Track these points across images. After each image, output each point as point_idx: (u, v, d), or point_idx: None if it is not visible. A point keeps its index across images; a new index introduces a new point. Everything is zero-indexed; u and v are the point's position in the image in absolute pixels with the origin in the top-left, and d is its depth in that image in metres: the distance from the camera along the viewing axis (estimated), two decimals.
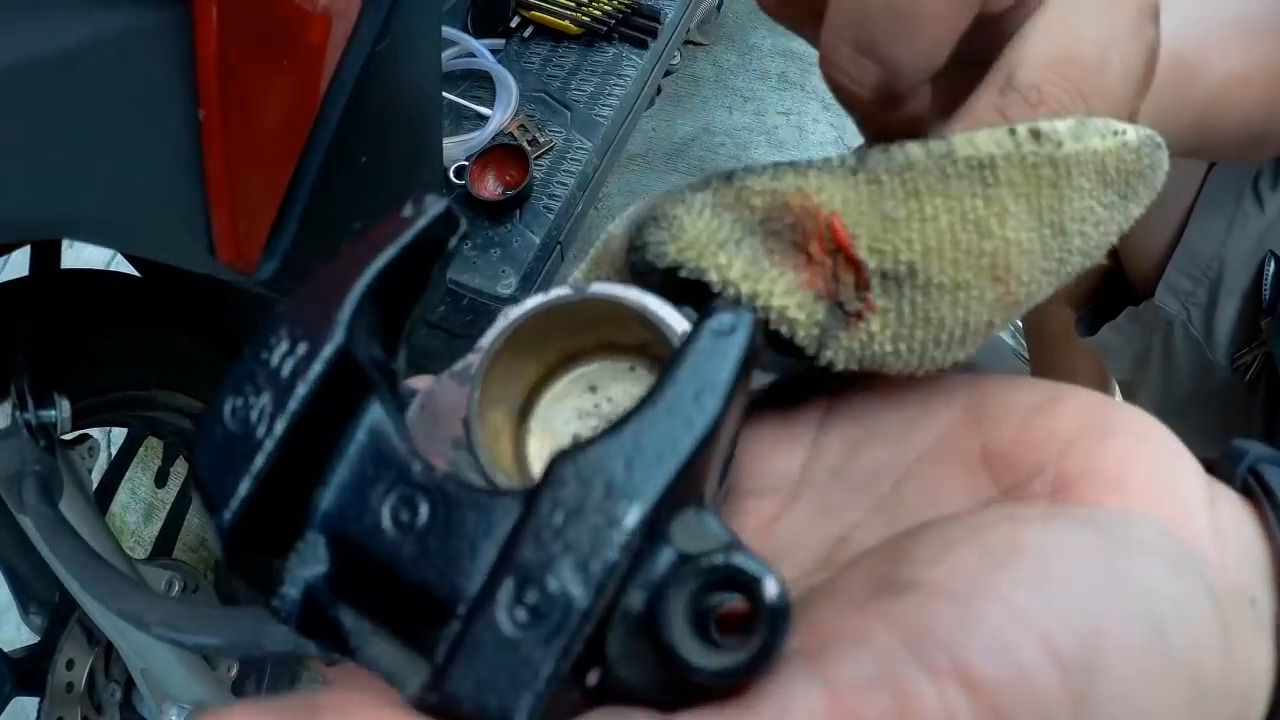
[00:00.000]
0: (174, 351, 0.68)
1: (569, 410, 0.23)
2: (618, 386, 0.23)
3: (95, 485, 0.75)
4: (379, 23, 0.44)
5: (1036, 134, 0.19)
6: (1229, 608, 0.18)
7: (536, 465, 0.22)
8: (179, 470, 0.80)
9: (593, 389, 0.24)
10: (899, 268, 0.19)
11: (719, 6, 1.45)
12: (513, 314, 0.21)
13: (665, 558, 0.17)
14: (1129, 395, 0.73)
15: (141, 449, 1.08)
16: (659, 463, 0.17)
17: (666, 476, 0.17)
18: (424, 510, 0.17)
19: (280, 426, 0.17)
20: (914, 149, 0.19)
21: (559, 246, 0.82)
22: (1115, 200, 0.20)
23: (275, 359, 0.18)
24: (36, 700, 0.63)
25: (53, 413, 0.54)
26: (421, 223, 0.19)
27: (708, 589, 0.16)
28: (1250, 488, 0.20)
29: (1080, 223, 0.20)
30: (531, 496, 0.17)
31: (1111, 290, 0.68)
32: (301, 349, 0.18)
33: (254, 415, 0.17)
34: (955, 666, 0.15)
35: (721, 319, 0.19)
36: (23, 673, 0.62)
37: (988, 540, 0.17)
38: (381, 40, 0.45)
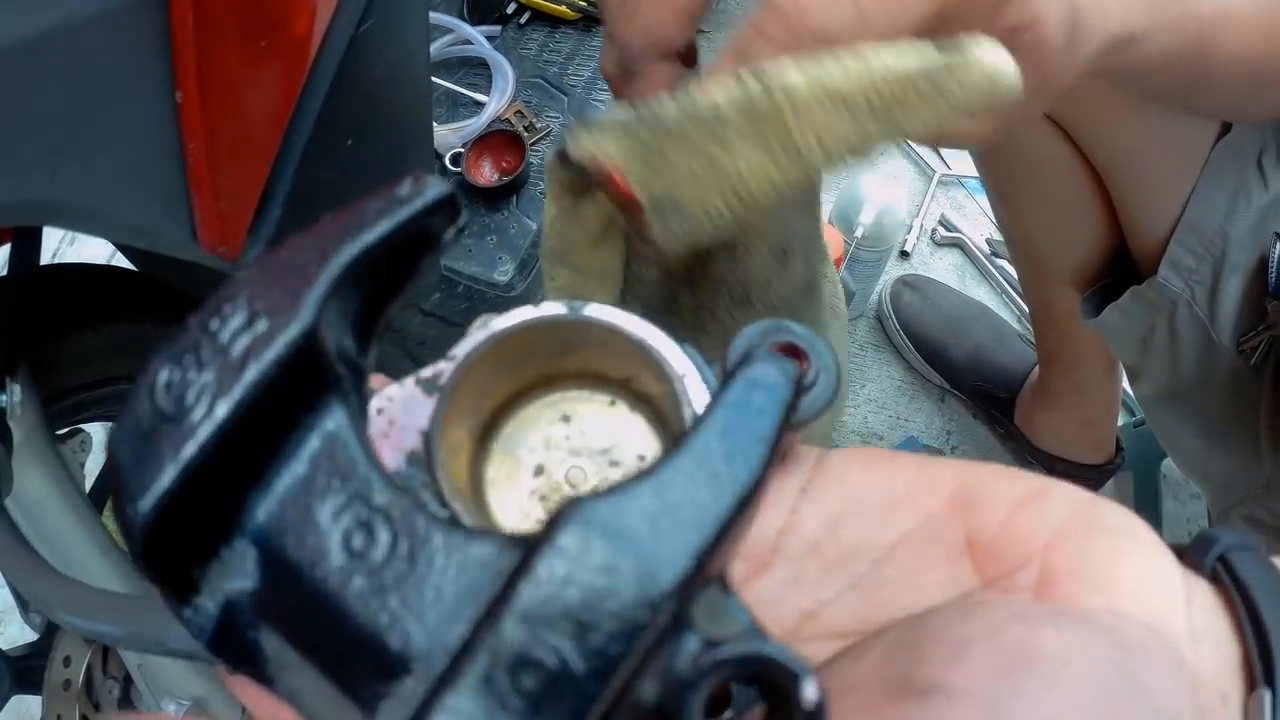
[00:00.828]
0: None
1: (537, 437, 0.21)
2: (594, 421, 0.22)
3: (91, 483, 0.75)
4: (363, 2, 0.43)
5: (760, 78, 0.24)
6: (1205, 706, 0.18)
7: (491, 492, 0.20)
8: None
9: (566, 419, 0.22)
10: (662, 200, 0.26)
11: None
12: (495, 325, 0.20)
13: (689, 643, 0.14)
14: (1134, 379, 0.72)
15: None
16: (691, 527, 0.14)
17: (700, 544, 0.14)
18: (383, 539, 0.15)
19: (221, 411, 0.14)
20: (668, 106, 0.25)
21: None
22: (869, 119, 0.24)
23: (227, 333, 0.15)
24: (39, 699, 0.63)
25: (3, 397, 0.52)
26: (418, 204, 0.16)
27: (731, 681, 0.14)
28: (1219, 576, 0.20)
29: (819, 141, 0.24)
30: (530, 551, 0.14)
31: (1116, 272, 0.67)
32: (260, 325, 0.15)
33: (191, 394, 0.14)
34: None
35: (764, 370, 0.16)
36: (22, 670, 0.62)
37: (1004, 642, 0.17)
38: (365, 20, 0.44)
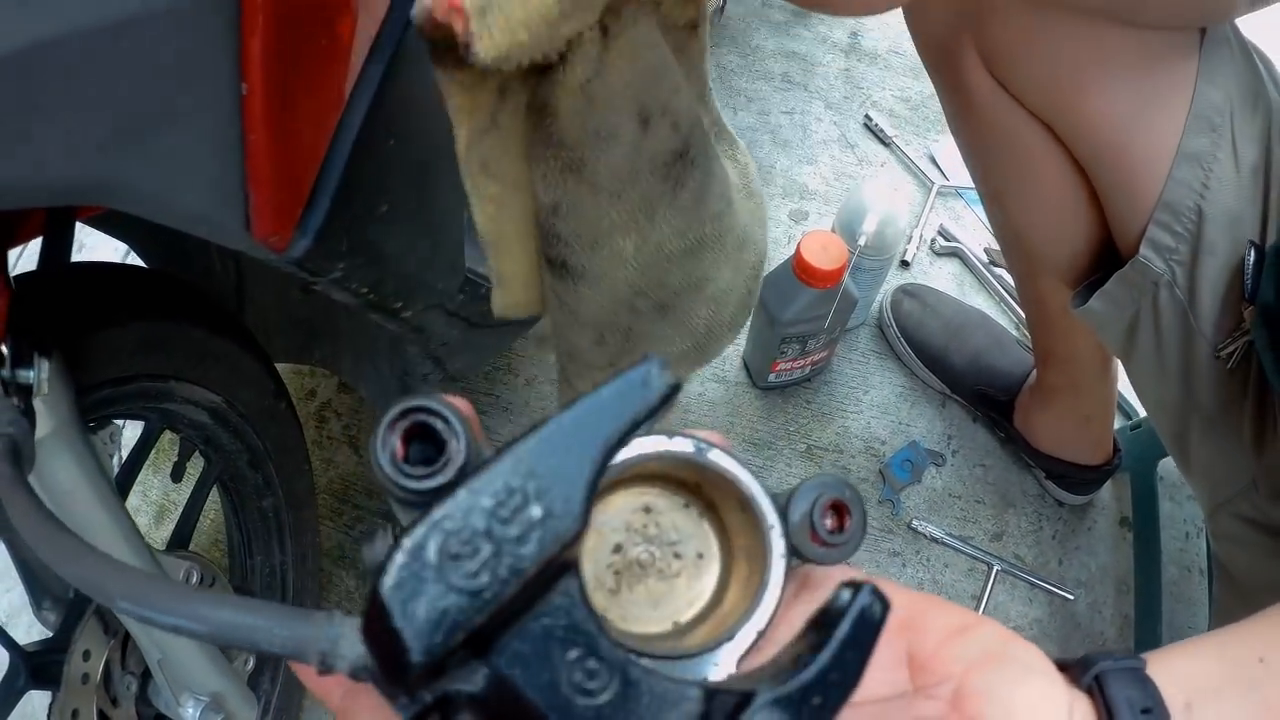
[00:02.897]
0: (191, 343, 0.68)
1: (620, 520, 0.26)
2: (669, 516, 0.26)
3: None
4: (407, 13, 0.45)
5: None
6: None
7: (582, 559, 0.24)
8: (193, 468, 0.80)
9: (647, 510, 0.26)
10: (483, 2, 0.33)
11: (721, 9, 1.47)
12: (635, 449, 0.24)
13: None
14: (1126, 365, 0.74)
15: (153, 453, 1.09)
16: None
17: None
18: (612, 687, 0.18)
19: (507, 591, 0.17)
20: None
21: None
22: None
23: (506, 511, 0.18)
24: (48, 696, 0.62)
25: (30, 372, 0.54)
26: (655, 399, 0.19)
27: None
28: (1093, 690, 0.27)
29: None
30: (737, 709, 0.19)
31: (1105, 268, 0.70)
32: (535, 512, 0.18)
33: (475, 567, 0.17)
34: None
35: (871, 606, 0.21)
36: (37, 665, 0.62)
37: None
38: (410, 28, 0.46)
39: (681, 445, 0.24)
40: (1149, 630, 0.97)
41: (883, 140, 1.37)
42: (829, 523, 0.25)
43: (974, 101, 0.69)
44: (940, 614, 0.28)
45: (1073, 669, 0.28)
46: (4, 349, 0.46)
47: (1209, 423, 0.66)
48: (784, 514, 0.25)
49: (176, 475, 0.77)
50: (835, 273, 0.94)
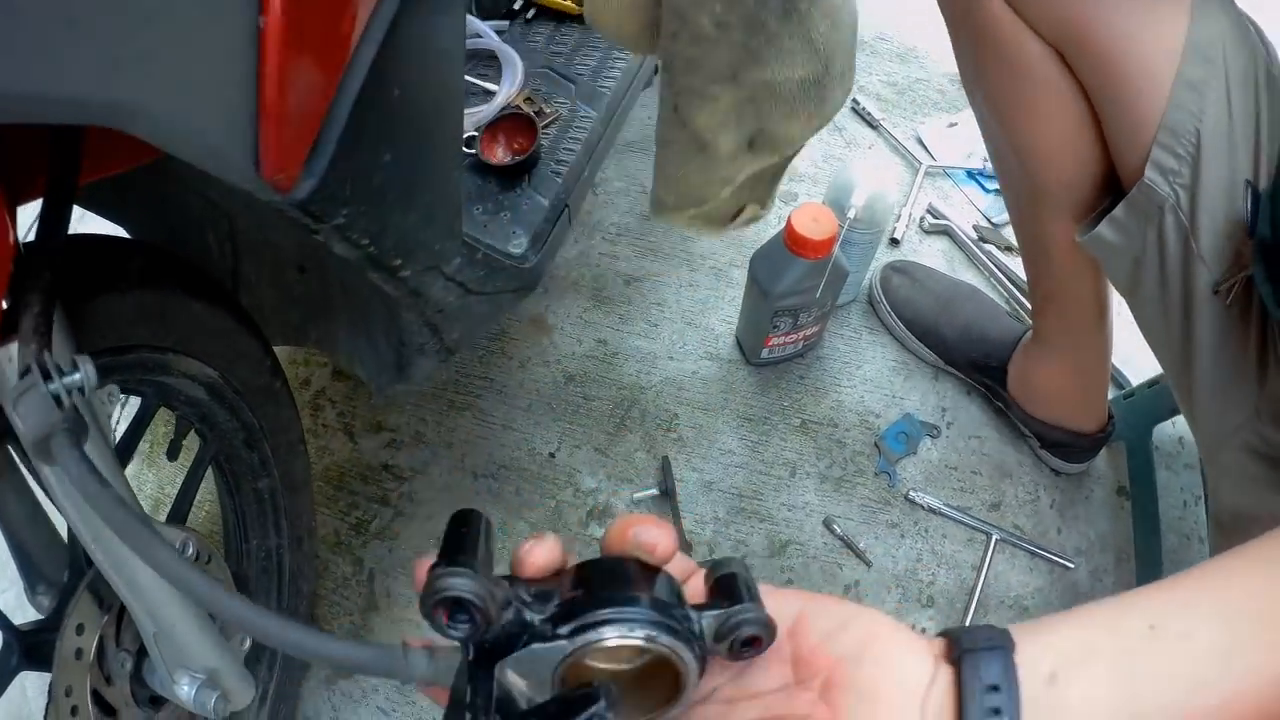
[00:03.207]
0: (190, 315, 0.68)
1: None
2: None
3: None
4: None
5: None
6: None
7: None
8: (190, 445, 0.79)
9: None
10: None
11: None
12: (598, 637, 0.30)
13: None
14: (1130, 300, 0.76)
15: (148, 448, 1.08)
16: None
17: None
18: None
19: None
20: None
21: (566, 209, 0.83)
22: None
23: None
24: (45, 698, 0.61)
25: (78, 376, 0.54)
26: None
27: None
28: (958, 663, 0.31)
29: None
30: None
31: (1111, 198, 0.72)
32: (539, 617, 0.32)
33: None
34: None
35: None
36: (30, 645, 0.60)
37: None
38: None
39: (636, 637, 0.30)
40: None
41: (870, 123, 1.38)
42: (745, 650, 0.32)
43: (989, 25, 0.72)
44: (823, 614, 0.33)
45: (950, 643, 0.32)
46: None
47: (1212, 356, 0.68)
48: (700, 640, 0.32)
49: (173, 454, 0.76)
50: (826, 243, 0.95)
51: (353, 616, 0.99)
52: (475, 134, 0.84)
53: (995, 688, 0.30)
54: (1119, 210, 0.70)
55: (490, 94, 0.90)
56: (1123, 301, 0.79)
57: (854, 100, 1.41)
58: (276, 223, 0.75)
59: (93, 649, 0.63)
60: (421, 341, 0.78)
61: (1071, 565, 1.03)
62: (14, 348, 0.44)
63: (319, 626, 1.01)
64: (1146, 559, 1.00)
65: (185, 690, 0.65)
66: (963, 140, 1.35)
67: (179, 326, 0.67)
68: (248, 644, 0.79)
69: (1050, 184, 0.78)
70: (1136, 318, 0.77)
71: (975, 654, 0.31)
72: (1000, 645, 0.31)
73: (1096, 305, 0.91)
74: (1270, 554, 0.33)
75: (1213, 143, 0.65)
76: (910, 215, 1.28)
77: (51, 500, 0.61)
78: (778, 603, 0.33)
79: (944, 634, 0.33)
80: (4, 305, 0.44)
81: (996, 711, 0.29)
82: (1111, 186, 0.75)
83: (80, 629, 0.62)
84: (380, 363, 0.85)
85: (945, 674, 0.31)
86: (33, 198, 0.53)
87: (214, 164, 0.40)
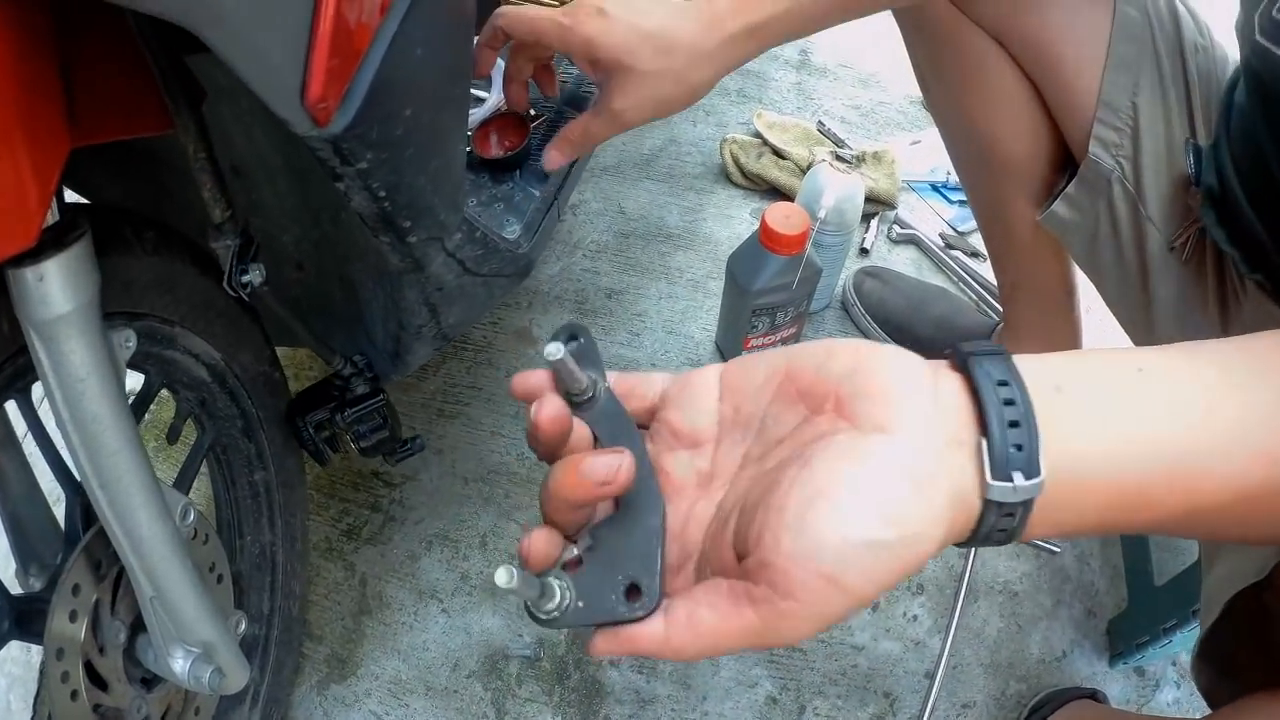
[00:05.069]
0: (199, 292, 0.69)
1: None
2: None
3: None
4: None
5: None
6: (949, 445, 0.30)
7: None
8: (186, 440, 0.79)
9: None
10: None
11: None
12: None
13: None
14: (1093, 277, 0.80)
15: (150, 443, 1.06)
16: None
17: None
18: None
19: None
20: None
21: (555, 202, 0.87)
22: None
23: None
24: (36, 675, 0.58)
25: (130, 344, 0.55)
26: None
27: None
28: (964, 369, 0.32)
29: None
30: None
31: (1067, 177, 0.78)
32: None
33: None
34: None
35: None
36: (22, 613, 0.58)
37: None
38: None
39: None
40: (1141, 580, 0.99)
41: (836, 142, 1.45)
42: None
43: (937, 24, 0.78)
44: (807, 355, 0.34)
45: (951, 357, 0.33)
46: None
47: (1175, 317, 0.72)
48: None
49: (172, 438, 0.76)
50: (799, 238, 1.00)
51: (344, 620, 0.98)
52: (469, 132, 0.88)
53: (1005, 383, 0.31)
54: (1071, 187, 0.75)
55: (480, 100, 0.94)
56: (1094, 289, 0.84)
57: (819, 122, 1.48)
58: (277, 220, 0.77)
59: (88, 614, 0.60)
60: (420, 324, 0.80)
61: (1057, 550, 1.06)
62: (45, 265, 0.45)
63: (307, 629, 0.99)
64: (1131, 538, 1.03)
65: (180, 664, 0.63)
66: (926, 156, 1.42)
67: (187, 300, 0.68)
68: (243, 626, 0.78)
69: (1009, 164, 0.83)
70: (1101, 294, 0.82)
71: (980, 357, 0.31)
72: (1002, 352, 0.32)
73: (1064, 287, 0.96)
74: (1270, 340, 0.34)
75: (1149, 112, 0.70)
76: (878, 227, 1.34)
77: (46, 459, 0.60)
78: (765, 360, 0.35)
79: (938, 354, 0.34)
80: (54, 215, 0.45)
81: (1010, 403, 0.30)
82: (1067, 166, 0.80)
83: (76, 589, 0.59)
84: (377, 356, 0.86)
85: (951, 376, 0.32)
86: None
87: (266, 84, 0.42)
